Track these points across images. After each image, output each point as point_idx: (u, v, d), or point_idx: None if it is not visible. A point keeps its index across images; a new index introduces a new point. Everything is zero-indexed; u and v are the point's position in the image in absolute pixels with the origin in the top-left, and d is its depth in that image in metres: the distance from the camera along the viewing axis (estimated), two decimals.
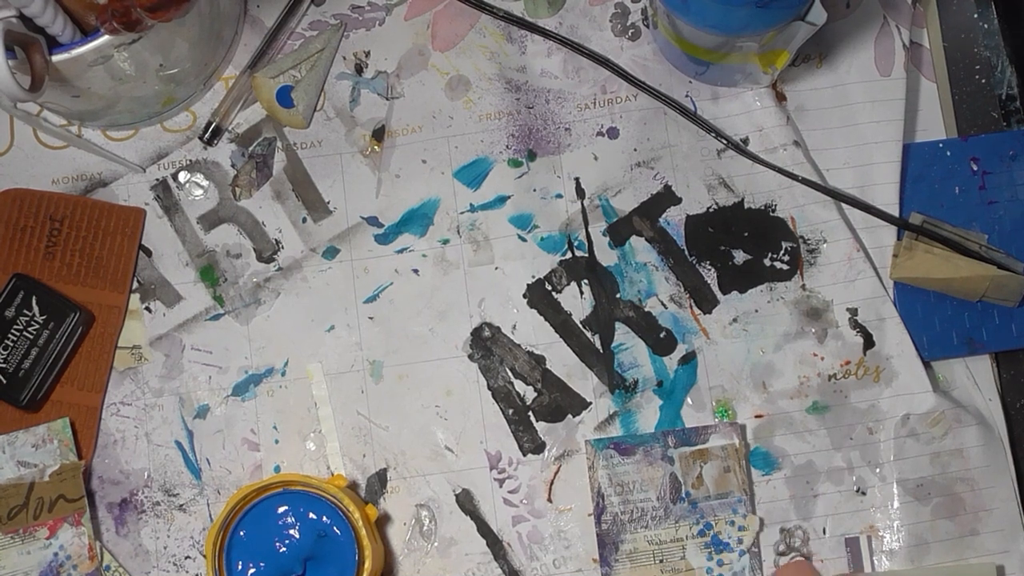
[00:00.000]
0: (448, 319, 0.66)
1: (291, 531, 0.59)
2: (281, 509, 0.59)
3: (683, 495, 0.62)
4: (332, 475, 0.63)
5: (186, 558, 0.64)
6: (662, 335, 0.65)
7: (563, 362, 0.65)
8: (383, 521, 0.64)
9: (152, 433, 0.65)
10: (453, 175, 0.67)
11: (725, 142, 0.66)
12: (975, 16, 0.69)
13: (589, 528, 0.63)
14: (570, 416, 0.64)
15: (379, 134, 0.68)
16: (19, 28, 0.57)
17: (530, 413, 0.64)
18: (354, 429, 0.65)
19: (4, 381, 0.63)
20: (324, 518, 0.59)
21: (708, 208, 0.66)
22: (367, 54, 0.69)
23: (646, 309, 0.65)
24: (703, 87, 0.67)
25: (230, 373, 0.65)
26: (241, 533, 0.59)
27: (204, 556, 0.62)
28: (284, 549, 0.59)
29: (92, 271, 0.66)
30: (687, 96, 0.67)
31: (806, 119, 0.67)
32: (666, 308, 0.65)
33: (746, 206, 0.66)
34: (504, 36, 0.69)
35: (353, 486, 0.64)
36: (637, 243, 0.66)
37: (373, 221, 0.67)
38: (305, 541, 0.59)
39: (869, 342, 0.64)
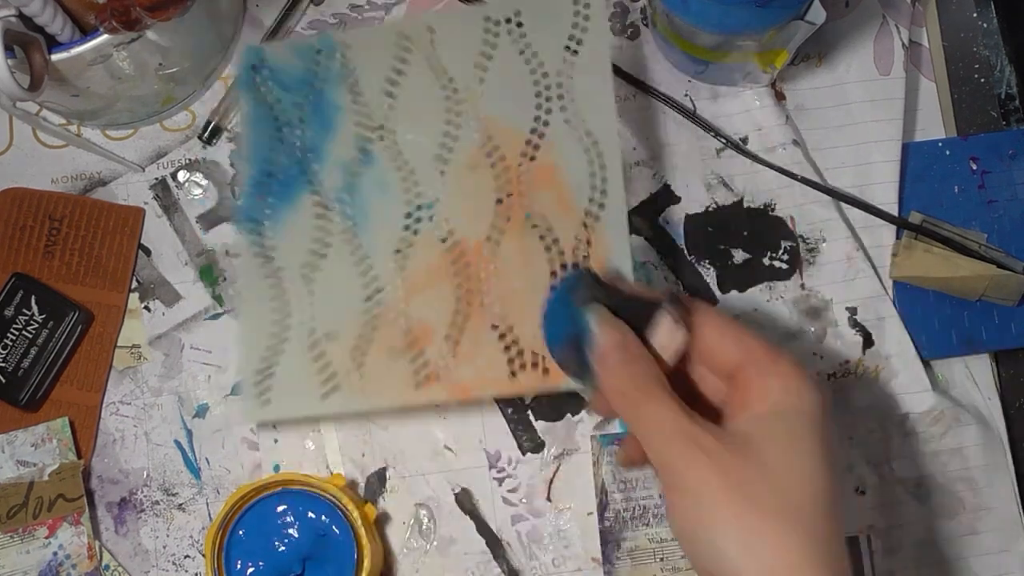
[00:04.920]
0: None
1: (290, 530, 0.59)
2: (280, 508, 0.59)
3: None
4: (331, 474, 0.63)
5: (185, 557, 0.64)
6: None
7: None
8: (382, 520, 0.64)
9: (151, 432, 0.65)
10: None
11: (724, 141, 0.66)
12: (974, 15, 0.69)
13: (588, 527, 0.63)
14: (569, 415, 0.64)
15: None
16: (18, 27, 0.57)
17: (529, 412, 0.64)
18: (353, 428, 0.65)
19: (3, 380, 0.63)
20: (323, 517, 0.59)
21: (707, 207, 0.66)
22: None
23: None
24: (702, 86, 0.67)
25: (229, 372, 0.65)
26: (240, 532, 0.59)
27: (203, 555, 0.62)
28: (283, 548, 0.59)
29: (91, 270, 0.66)
30: (686, 95, 0.67)
31: (805, 118, 0.67)
32: None
33: (745, 205, 0.66)
34: None
35: (352, 485, 0.64)
36: (636, 242, 0.66)
37: None
38: (304, 540, 0.59)
39: (868, 341, 0.64)
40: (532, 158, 0.62)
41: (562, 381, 0.56)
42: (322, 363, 0.60)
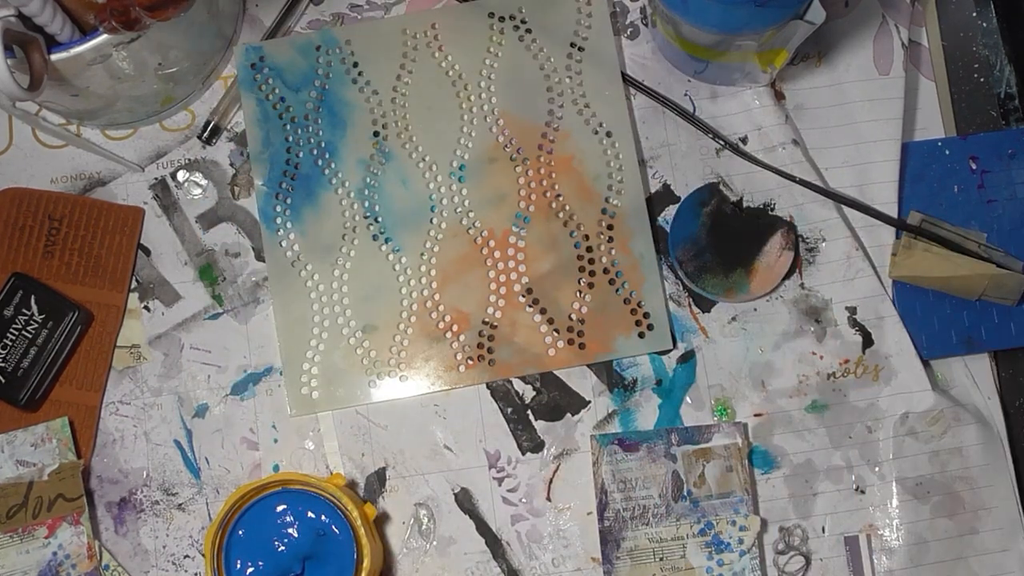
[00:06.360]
0: None
1: (290, 530, 0.59)
2: (280, 508, 0.59)
3: (685, 493, 0.62)
4: (331, 474, 0.63)
5: (185, 557, 0.64)
6: None
7: None
8: (382, 520, 0.64)
9: (151, 432, 0.65)
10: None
11: (722, 143, 0.66)
12: (974, 15, 0.69)
13: (588, 527, 0.63)
14: (569, 415, 0.64)
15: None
16: (18, 27, 0.57)
17: (529, 412, 0.64)
18: (353, 428, 0.65)
19: (3, 380, 0.63)
20: (323, 517, 0.59)
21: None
22: None
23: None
24: (702, 86, 0.67)
25: (229, 372, 0.65)
26: (240, 532, 0.59)
27: (203, 555, 0.62)
28: (283, 548, 0.59)
29: (91, 270, 0.66)
30: (686, 95, 0.67)
31: (805, 118, 0.67)
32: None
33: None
34: None
35: (352, 485, 0.64)
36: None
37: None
38: (304, 540, 0.59)
39: (868, 341, 0.64)
40: (550, 151, 0.66)
41: (598, 355, 0.63)
42: (363, 353, 0.64)
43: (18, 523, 0.62)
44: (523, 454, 0.64)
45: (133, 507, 0.64)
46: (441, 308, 0.64)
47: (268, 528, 0.59)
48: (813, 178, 0.65)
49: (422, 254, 0.65)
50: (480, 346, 0.64)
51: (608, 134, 0.66)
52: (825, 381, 0.64)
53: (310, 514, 0.59)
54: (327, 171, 0.66)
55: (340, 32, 0.68)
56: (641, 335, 0.64)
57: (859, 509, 0.63)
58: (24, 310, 0.64)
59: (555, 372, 0.65)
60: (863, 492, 0.63)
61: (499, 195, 0.65)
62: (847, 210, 0.66)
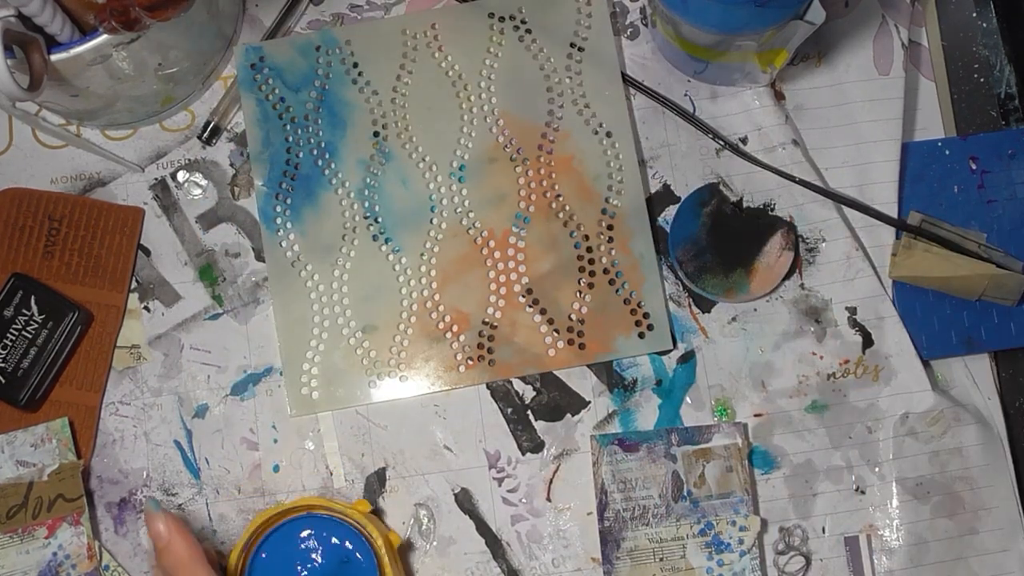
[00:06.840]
0: None
1: (313, 555, 0.58)
2: (304, 533, 0.59)
3: (685, 494, 0.62)
4: (357, 500, 0.62)
5: None
6: None
7: None
8: (380, 519, 0.64)
9: (151, 432, 0.65)
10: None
11: (722, 143, 0.66)
12: (974, 15, 0.69)
13: (588, 527, 0.63)
14: (569, 415, 0.64)
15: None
16: (18, 27, 0.57)
17: (529, 412, 0.64)
18: (353, 428, 0.65)
19: (3, 380, 0.63)
20: (347, 543, 0.59)
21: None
22: None
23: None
24: (702, 86, 0.67)
25: (229, 372, 0.65)
26: (263, 555, 0.58)
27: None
28: (306, 573, 0.58)
29: (91, 270, 0.66)
30: (686, 95, 0.67)
31: (805, 118, 0.67)
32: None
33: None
34: None
35: (376, 513, 0.63)
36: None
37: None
38: (327, 566, 0.58)
39: (868, 341, 0.64)
40: (550, 151, 0.66)
41: (598, 355, 0.63)
42: (363, 353, 0.64)
43: (18, 523, 0.62)
44: (523, 454, 0.64)
45: (133, 507, 0.64)
46: (441, 308, 0.64)
47: (291, 552, 0.59)
48: (813, 178, 0.65)
49: (422, 254, 0.65)
50: (480, 346, 0.64)
51: (608, 134, 0.66)
52: (825, 381, 0.64)
53: (334, 540, 0.59)
54: (327, 171, 0.66)
55: (340, 32, 0.68)
56: (641, 335, 0.64)
57: (859, 509, 0.63)
58: (24, 310, 0.64)
59: (555, 372, 0.65)
60: (863, 492, 0.63)
61: (499, 195, 0.65)
62: (847, 210, 0.66)
